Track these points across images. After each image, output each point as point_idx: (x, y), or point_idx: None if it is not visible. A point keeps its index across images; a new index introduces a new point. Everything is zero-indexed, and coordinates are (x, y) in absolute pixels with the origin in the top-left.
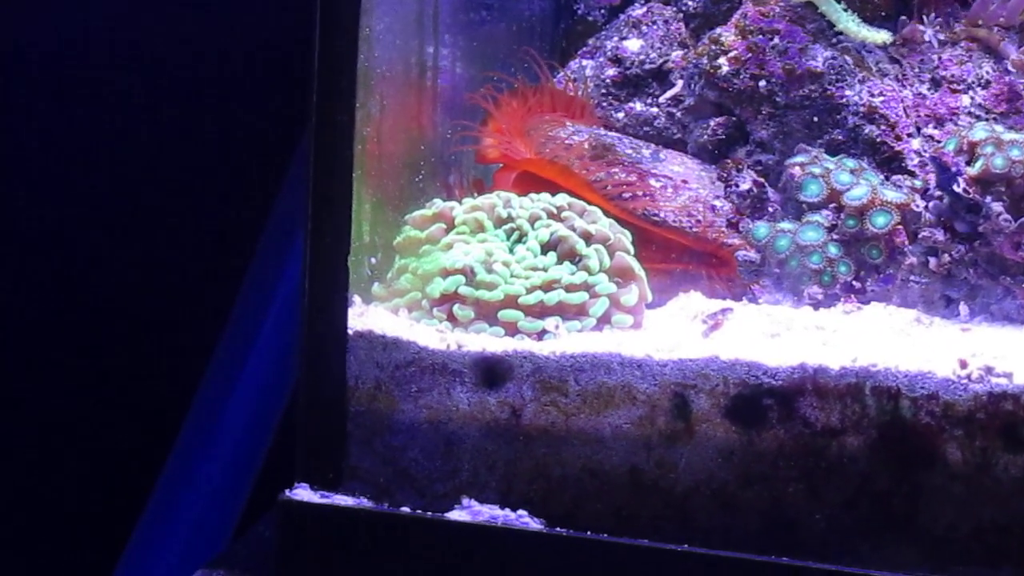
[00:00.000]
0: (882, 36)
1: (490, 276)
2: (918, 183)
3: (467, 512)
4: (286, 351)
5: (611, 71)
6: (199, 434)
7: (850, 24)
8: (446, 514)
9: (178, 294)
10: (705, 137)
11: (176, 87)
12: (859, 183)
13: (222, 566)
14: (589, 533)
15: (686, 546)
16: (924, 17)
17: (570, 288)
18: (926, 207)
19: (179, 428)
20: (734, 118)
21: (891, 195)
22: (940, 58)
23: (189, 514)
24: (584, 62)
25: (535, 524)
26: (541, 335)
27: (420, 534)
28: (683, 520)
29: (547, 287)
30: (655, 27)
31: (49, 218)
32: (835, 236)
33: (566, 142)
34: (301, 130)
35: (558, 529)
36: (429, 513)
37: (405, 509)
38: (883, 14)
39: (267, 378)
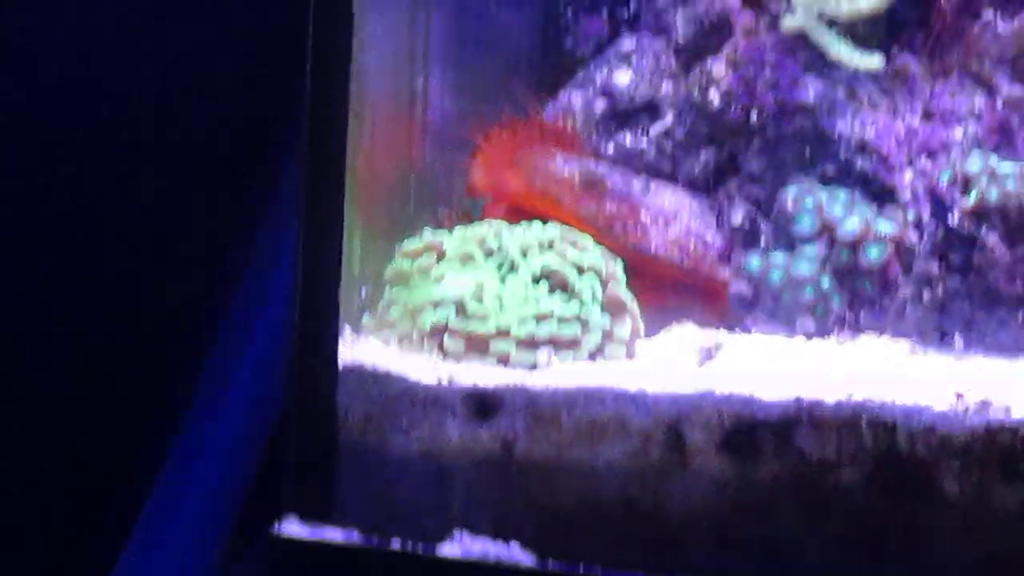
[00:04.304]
0: (875, 61)
1: (481, 308)
2: (912, 215)
3: (459, 546)
4: (268, 384)
5: (601, 104)
6: (179, 470)
7: (843, 50)
8: (438, 548)
9: (153, 321)
10: (696, 170)
11: (159, 112)
12: (852, 215)
13: None
14: (583, 566)
15: None
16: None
17: (562, 320)
18: (920, 239)
19: (158, 463)
20: (725, 150)
21: (885, 227)
22: (932, 91)
23: (169, 551)
24: (573, 95)
25: (528, 558)
26: (533, 367)
27: (411, 569)
28: (678, 552)
29: (539, 319)
30: (645, 60)
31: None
32: (828, 268)
33: (556, 175)
34: (288, 157)
35: (551, 562)
36: (420, 547)
37: (396, 543)
38: (874, 47)
39: (249, 409)
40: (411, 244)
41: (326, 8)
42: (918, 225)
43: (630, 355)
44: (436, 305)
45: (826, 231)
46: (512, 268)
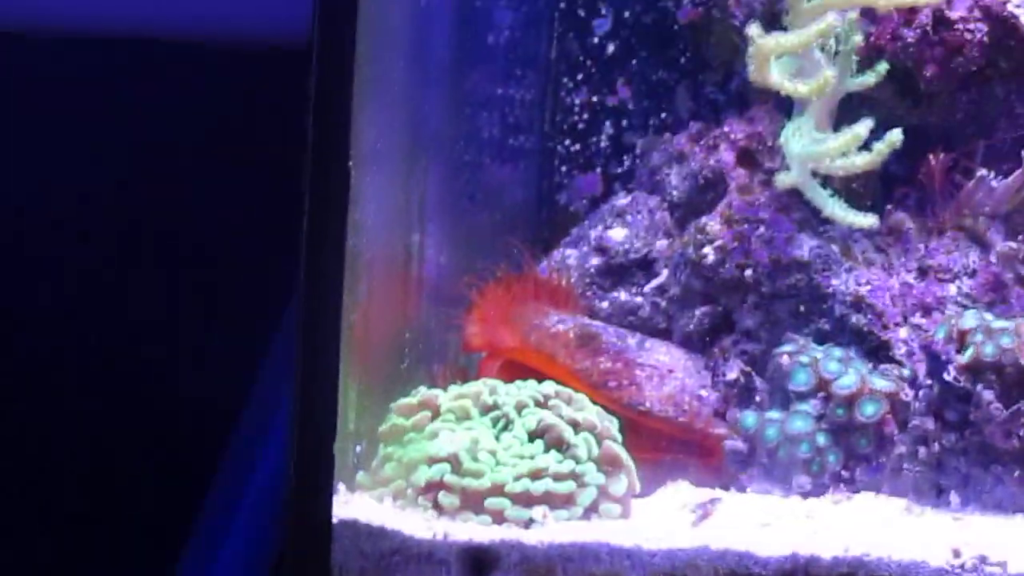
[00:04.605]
0: (869, 220)
1: (476, 464)
2: (907, 372)
3: None
4: (261, 540)
5: (595, 260)
6: None
7: (836, 209)
8: None
9: (148, 481)
10: (691, 326)
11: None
12: (848, 372)
13: None
14: None
15: None
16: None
17: (558, 477)
18: (916, 395)
19: None
20: (720, 307)
21: (880, 384)
22: (926, 247)
23: None
24: (568, 251)
25: None
26: (528, 524)
27: None
28: None
29: (534, 475)
30: (639, 216)
31: None
32: (824, 425)
33: (551, 331)
34: (283, 313)
35: None
36: None
37: None
38: (868, 204)
39: (242, 566)
40: (406, 401)
41: (322, 163)
42: (913, 382)
43: (625, 513)
44: (431, 462)
45: (821, 388)
46: (507, 425)
